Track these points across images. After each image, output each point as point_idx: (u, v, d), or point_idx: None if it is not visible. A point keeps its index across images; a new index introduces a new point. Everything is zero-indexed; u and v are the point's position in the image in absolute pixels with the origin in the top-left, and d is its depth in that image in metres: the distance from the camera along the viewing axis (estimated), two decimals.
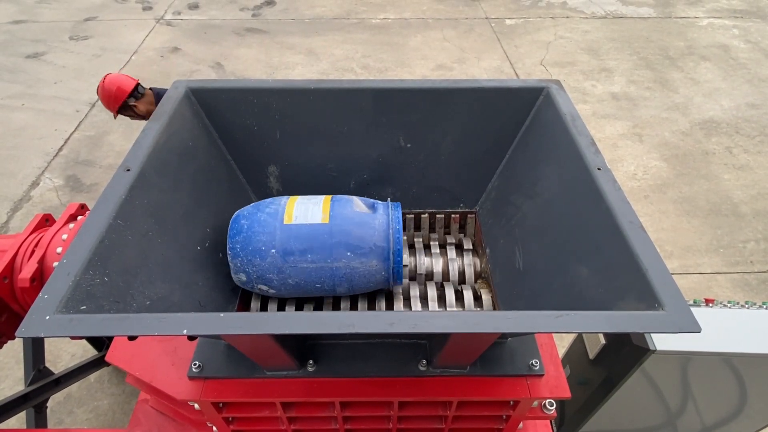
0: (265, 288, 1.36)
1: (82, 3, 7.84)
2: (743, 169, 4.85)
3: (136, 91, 3.36)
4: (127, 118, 3.57)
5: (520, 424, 1.49)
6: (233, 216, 1.38)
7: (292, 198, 1.41)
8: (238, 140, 1.56)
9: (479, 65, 6.38)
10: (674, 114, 5.56)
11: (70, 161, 4.89)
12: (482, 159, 1.61)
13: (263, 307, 1.49)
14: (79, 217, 2.02)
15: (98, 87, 3.40)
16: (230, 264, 1.33)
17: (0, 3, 7.76)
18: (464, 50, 6.69)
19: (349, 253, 1.31)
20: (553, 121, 1.40)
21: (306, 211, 1.34)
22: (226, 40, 6.75)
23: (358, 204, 1.38)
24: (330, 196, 1.42)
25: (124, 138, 5.12)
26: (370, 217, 1.35)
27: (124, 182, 1.14)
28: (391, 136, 1.57)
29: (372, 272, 1.34)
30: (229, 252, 1.33)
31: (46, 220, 2.02)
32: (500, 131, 1.56)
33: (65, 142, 5.11)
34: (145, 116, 3.44)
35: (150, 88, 3.49)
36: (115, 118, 3.52)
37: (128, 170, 1.17)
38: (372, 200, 1.44)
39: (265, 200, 1.43)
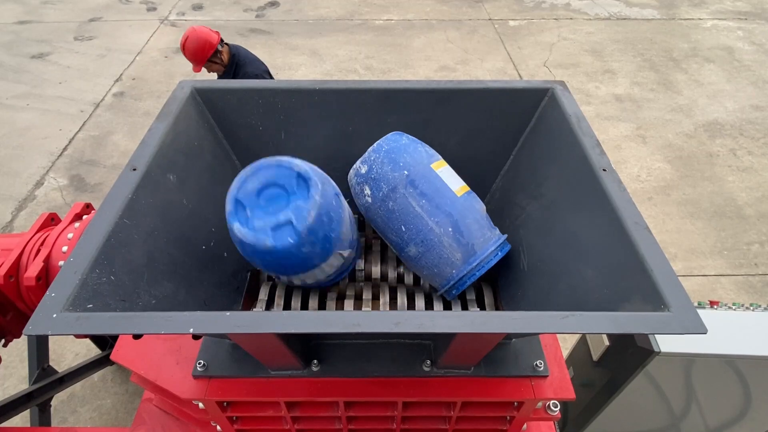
0: (368, 191, 1.41)
1: (87, 4, 7.88)
2: (747, 171, 4.84)
3: (221, 43, 3.65)
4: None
5: (524, 425, 1.49)
6: (396, 131, 1.46)
7: (443, 162, 1.47)
8: (243, 140, 1.56)
9: (482, 66, 6.38)
10: (678, 116, 5.55)
11: (75, 161, 4.91)
12: (486, 159, 1.61)
13: (267, 308, 1.49)
14: (85, 217, 2.03)
15: (185, 41, 3.53)
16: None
17: (5, 3, 7.80)
18: (467, 51, 6.70)
19: (450, 229, 1.34)
20: (558, 122, 1.40)
21: (450, 175, 1.42)
22: (230, 41, 6.77)
23: (483, 211, 1.43)
24: (467, 186, 1.47)
25: (128, 138, 5.14)
26: (487, 226, 1.40)
27: (131, 181, 1.14)
28: None
29: (448, 260, 1.36)
30: (377, 146, 1.41)
31: (52, 219, 2.03)
32: (505, 132, 1.56)
33: (69, 142, 5.13)
34: (224, 67, 3.68)
35: (225, 43, 3.75)
36: (198, 71, 3.64)
37: (134, 169, 1.17)
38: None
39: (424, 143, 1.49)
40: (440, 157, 1.45)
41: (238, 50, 3.78)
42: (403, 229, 1.37)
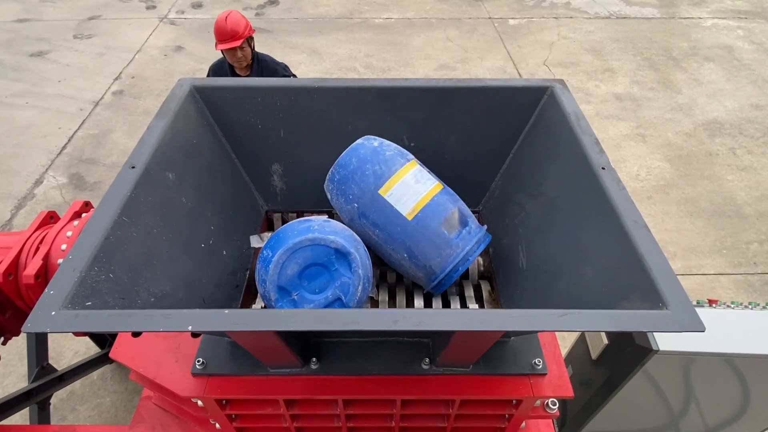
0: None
1: (86, 2, 7.86)
2: (747, 170, 4.84)
3: None
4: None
5: (523, 423, 1.49)
6: (354, 144, 1.40)
7: (409, 165, 1.38)
8: (242, 138, 1.56)
9: (482, 65, 6.37)
10: (678, 115, 5.54)
11: (74, 159, 4.90)
12: (486, 158, 1.61)
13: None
14: (84, 215, 2.03)
15: (227, 14, 3.41)
16: (327, 184, 1.42)
17: (4, 1, 7.78)
18: (467, 50, 6.69)
19: (406, 255, 1.36)
20: (558, 121, 1.40)
21: (403, 193, 1.34)
22: None
23: (450, 219, 1.35)
24: (440, 186, 1.39)
25: (128, 136, 5.14)
26: (445, 243, 1.34)
27: (129, 179, 1.14)
28: (395, 135, 1.57)
29: (415, 277, 1.43)
30: (331, 174, 1.40)
31: (51, 218, 2.03)
32: (504, 130, 1.56)
33: (69, 140, 5.13)
34: (250, 55, 3.54)
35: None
36: (233, 45, 3.43)
37: (133, 167, 1.17)
38: (469, 216, 1.41)
39: (388, 146, 1.41)
40: (394, 169, 1.37)
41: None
42: (374, 250, 1.43)
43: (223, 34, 3.38)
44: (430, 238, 1.34)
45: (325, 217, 1.35)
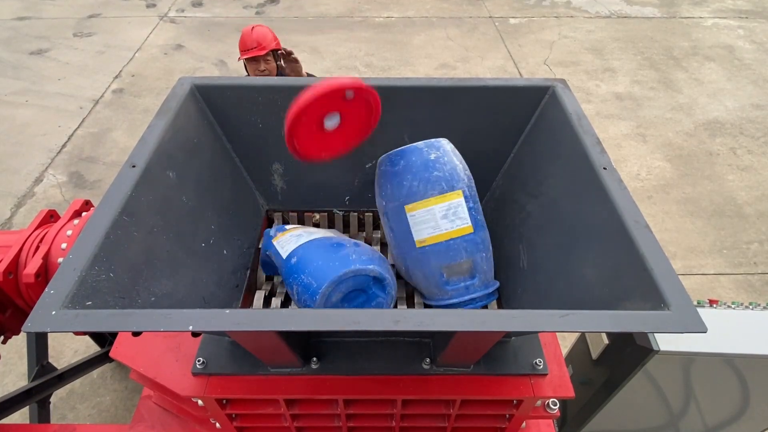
0: None
1: (86, 0, 7.85)
2: (747, 170, 4.84)
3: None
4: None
5: (523, 424, 1.49)
6: (414, 145, 1.40)
7: (450, 195, 1.34)
8: (243, 137, 1.56)
9: (483, 64, 6.37)
10: (678, 114, 5.54)
11: (74, 158, 4.90)
12: (487, 158, 1.60)
13: (266, 304, 1.49)
14: (84, 213, 2.02)
15: (252, 29, 3.21)
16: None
17: None
18: (468, 49, 6.68)
19: (403, 268, 1.45)
20: (559, 120, 1.39)
21: (425, 221, 1.34)
22: (229, 38, 6.75)
23: (455, 267, 1.34)
24: (469, 230, 1.35)
25: (128, 135, 5.13)
26: (436, 285, 1.37)
27: (130, 178, 1.14)
28: (395, 134, 1.56)
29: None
30: (380, 161, 1.46)
31: (51, 216, 2.03)
32: (505, 130, 1.55)
33: (69, 139, 5.12)
34: (275, 71, 3.33)
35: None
36: (257, 54, 3.19)
37: (134, 166, 1.17)
38: (479, 272, 1.38)
39: (444, 164, 1.36)
40: (429, 194, 1.33)
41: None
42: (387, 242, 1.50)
43: (248, 44, 3.18)
44: (425, 273, 1.37)
45: (353, 240, 1.40)
